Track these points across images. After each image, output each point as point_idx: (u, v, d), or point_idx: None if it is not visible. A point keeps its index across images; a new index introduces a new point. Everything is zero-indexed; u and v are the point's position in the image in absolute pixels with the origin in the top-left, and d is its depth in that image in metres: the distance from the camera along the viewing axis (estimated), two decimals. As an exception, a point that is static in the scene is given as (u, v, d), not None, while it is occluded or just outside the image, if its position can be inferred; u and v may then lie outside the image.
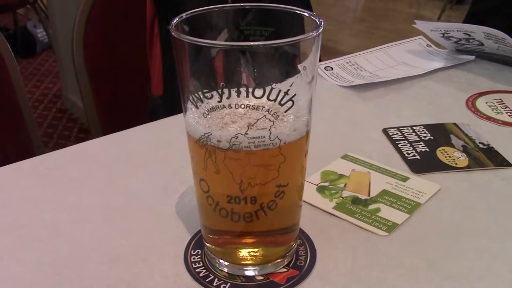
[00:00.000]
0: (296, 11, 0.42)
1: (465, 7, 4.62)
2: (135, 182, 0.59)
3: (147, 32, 1.15)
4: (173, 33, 0.38)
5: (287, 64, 0.39)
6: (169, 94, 1.14)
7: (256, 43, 0.36)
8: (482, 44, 0.87)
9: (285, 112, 0.39)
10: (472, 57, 0.92)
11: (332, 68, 0.87)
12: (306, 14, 0.42)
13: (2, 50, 1.08)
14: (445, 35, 0.91)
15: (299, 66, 0.40)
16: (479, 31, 0.85)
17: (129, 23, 1.27)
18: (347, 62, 0.89)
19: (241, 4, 0.44)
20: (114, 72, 1.24)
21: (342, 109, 0.77)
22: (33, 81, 3.13)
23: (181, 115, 0.70)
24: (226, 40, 0.45)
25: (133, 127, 0.70)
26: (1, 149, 1.09)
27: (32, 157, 0.64)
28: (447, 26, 0.89)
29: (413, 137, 0.67)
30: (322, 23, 0.40)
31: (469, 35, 0.87)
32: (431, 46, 0.97)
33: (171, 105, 1.11)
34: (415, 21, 0.93)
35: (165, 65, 1.13)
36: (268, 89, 0.37)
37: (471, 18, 1.09)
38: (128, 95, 1.28)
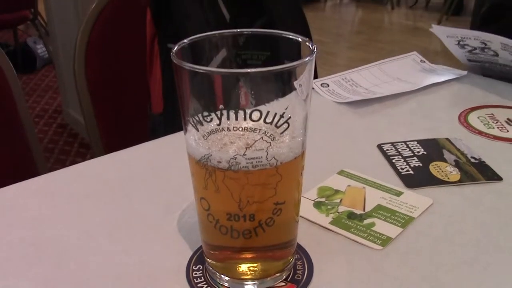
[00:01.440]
0: (291, 37, 0.45)
1: (461, 18, 4.67)
2: (138, 200, 0.61)
3: (147, 50, 1.17)
4: (174, 60, 0.40)
5: (282, 85, 0.41)
6: (169, 112, 1.17)
7: (253, 70, 0.39)
8: (496, 55, 0.88)
9: (281, 133, 0.41)
10: (465, 72, 0.94)
11: (328, 85, 0.89)
12: (300, 39, 0.44)
13: (3, 66, 1.10)
14: (461, 42, 0.91)
15: (295, 83, 0.42)
16: (496, 41, 0.85)
17: (130, 41, 1.30)
18: (343, 79, 0.91)
19: (239, 30, 0.46)
20: (115, 90, 1.27)
21: (338, 125, 0.79)
22: (34, 96, 3.16)
23: (181, 133, 0.72)
24: (224, 59, 0.47)
25: (135, 146, 0.72)
26: (3, 164, 1.11)
27: (34, 172, 0.66)
28: (464, 33, 0.89)
29: (407, 152, 0.69)
30: (316, 49, 0.42)
31: (485, 44, 0.88)
32: (425, 62, 0.99)
33: (171, 122, 1.13)
34: (432, 25, 0.94)
35: (165, 82, 1.16)
36: (264, 112, 0.39)
37: (490, 12, 1.09)
38: (129, 112, 1.30)
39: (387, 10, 5.32)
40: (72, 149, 2.57)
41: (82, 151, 2.54)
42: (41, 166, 1.16)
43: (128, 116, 1.30)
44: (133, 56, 1.31)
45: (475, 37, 0.88)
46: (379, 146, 0.71)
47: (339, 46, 4.17)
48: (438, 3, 5.18)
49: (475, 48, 0.90)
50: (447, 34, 0.92)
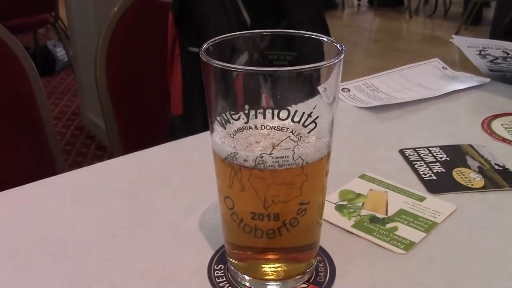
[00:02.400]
0: (318, 37, 0.45)
1: (480, 28, 4.64)
2: (158, 200, 0.61)
3: (168, 53, 1.18)
4: (202, 58, 0.41)
5: (309, 87, 0.41)
6: (188, 114, 1.17)
7: (282, 68, 0.39)
8: None
9: (308, 133, 0.41)
10: (488, 80, 0.93)
11: (349, 90, 0.89)
12: (326, 40, 0.44)
13: (27, 68, 1.12)
14: (482, 52, 0.90)
15: (319, 88, 0.42)
16: None
17: (150, 44, 1.31)
18: (364, 84, 0.91)
19: (265, 31, 0.46)
20: (135, 92, 1.28)
21: (359, 130, 0.78)
22: (52, 98, 3.19)
23: (201, 134, 0.73)
24: (251, 59, 0.47)
25: (155, 146, 0.73)
26: (24, 163, 1.12)
27: (53, 172, 0.66)
28: (485, 43, 0.89)
29: (430, 158, 0.68)
30: (344, 49, 0.42)
31: (508, 54, 0.87)
32: (446, 69, 0.99)
33: (190, 124, 1.14)
34: (453, 36, 0.93)
35: (185, 85, 1.16)
36: (292, 111, 0.39)
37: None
38: (148, 114, 1.31)
39: (405, 19, 5.30)
40: (89, 152, 2.60)
41: (99, 154, 2.56)
42: (60, 167, 1.18)
43: (148, 118, 1.31)
44: (153, 59, 1.32)
45: (497, 46, 0.88)
46: (401, 151, 0.70)
47: (357, 54, 4.16)
48: (457, 13, 5.15)
49: (497, 58, 0.90)
50: (468, 45, 0.91)
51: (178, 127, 1.19)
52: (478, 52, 0.91)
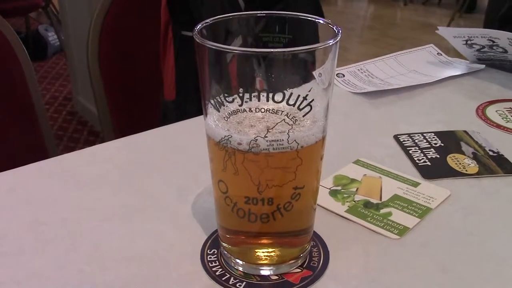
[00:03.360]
0: (314, 19, 0.44)
1: (474, 16, 4.63)
2: (151, 184, 0.60)
3: (161, 37, 1.17)
4: (196, 39, 0.40)
5: (304, 70, 0.41)
6: (181, 99, 1.16)
7: (277, 50, 0.38)
8: (505, 51, 0.87)
9: (303, 116, 0.40)
10: (483, 66, 0.93)
11: (343, 75, 0.88)
12: (322, 22, 0.44)
13: (18, 53, 1.10)
14: (468, 42, 0.90)
15: (314, 73, 0.41)
16: (504, 37, 0.84)
17: (143, 28, 1.29)
18: (359, 69, 0.90)
19: (260, 12, 0.45)
20: (127, 77, 1.26)
21: (354, 115, 0.78)
22: (44, 84, 3.16)
23: (194, 118, 0.72)
24: (245, 41, 0.47)
25: (148, 130, 0.72)
26: (15, 148, 1.11)
27: (45, 157, 0.66)
28: (471, 32, 0.89)
29: (424, 144, 0.68)
30: (340, 31, 0.41)
31: (493, 42, 0.87)
32: (441, 55, 0.98)
33: (183, 109, 1.13)
34: (438, 27, 0.93)
35: (178, 70, 1.15)
36: (287, 94, 0.39)
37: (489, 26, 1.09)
38: (141, 99, 1.30)
39: (399, 6, 5.28)
40: (81, 137, 2.58)
41: (92, 139, 2.54)
42: (52, 152, 1.17)
43: (141, 102, 1.30)
44: (146, 43, 1.30)
45: (482, 35, 0.87)
46: (396, 137, 0.70)
47: (351, 41, 4.14)
48: (451, 0, 5.14)
49: (483, 47, 0.89)
50: (454, 35, 0.91)
51: (171, 112, 1.18)
52: (464, 42, 0.91)
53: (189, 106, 1.12)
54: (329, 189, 0.58)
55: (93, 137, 2.55)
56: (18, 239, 0.51)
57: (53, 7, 3.57)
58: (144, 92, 1.32)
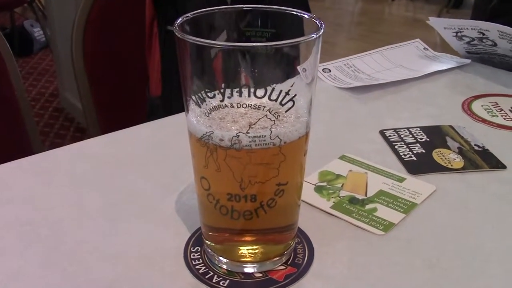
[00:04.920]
0: (297, 13, 0.43)
1: (462, 11, 4.65)
2: (135, 181, 0.59)
3: (146, 32, 1.16)
4: (176, 33, 0.39)
5: (287, 65, 0.40)
6: (168, 95, 1.15)
7: (259, 44, 0.37)
8: (495, 45, 0.87)
9: (286, 112, 0.40)
10: (468, 61, 0.93)
11: (330, 70, 0.87)
12: (306, 16, 0.43)
13: (1, 49, 1.08)
14: (458, 34, 0.90)
15: (298, 68, 0.40)
16: (493, 30, 0.84)
17: (128, 23, 1.28)
18: (345, 64, 0.90)
19: (243, 6, 0.45)
20: (112, 73, 1.25)
21: (340, 110, 0.78)
22: (30, 80, 3.12)
23: (179, 114, 0.72)
24: (227, 36, 0.46)
25: (133, 126, 0.71)
26: (0, 147, 1.10)
27: (30, 154, 0.64)
28: (461, 24, 0.88)
29: (410, 139, 0.68)
30: (323, 25, 0.40)
31: (483, 34, 0.86)
32: (428, 49, 0.98)
33: (169, 105, 1.12)
34: (429, 17, 0.93)
35: (164, 65, 1.14)
36: (269, 89, 0.38)
37: (500, 6, 1.09)
38: (126, 96, 1.29)
39: (387, 2, 5.29)
40: (67, 133, 2.56)
41: (78, 135, 2.51)
42: (37, 149, 1.15)
43: (126, 99, 1.28)
44: (132, 38, 1.29)
45: (472, 26, 0.87)
46: (381, 132, 0.70)
47: (339, 37, 4.14)
48: (439, -4, 5.15)
49: (473, 39, 0.89)
50: (445, 26, 0.91)
51: (158, 108, 1.17)
52: (454, 34, 0.91)
53: (175, 102, 1.11)
54: (315, 185, 0.58)
55: (80, 134, 2.53)
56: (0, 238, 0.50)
57: (38, 2, 3.53)
58: (130, 88, 1.31)
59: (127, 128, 0.71)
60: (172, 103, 1.13)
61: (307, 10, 1.14)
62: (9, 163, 0.62)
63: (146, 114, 1.24)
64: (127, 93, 1.31)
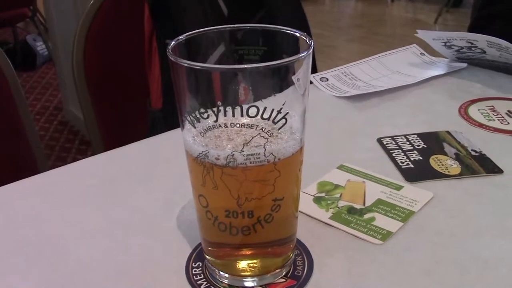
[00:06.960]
0: (288, 32, 0.44)
1: (461, 10, 4.65)
2: (137, 197, 0.60)
3: (145, 46, 1.17)
4: (170, 57, 0.40)
5: (280, 80, 0.41)
6: (169, 107, 1.16)
7: (250, 65, 0.38)
8: (484, 52, 0.88)
9: (279, 129, 0.41)
10: (465, 65, 0.94)
11: (327, 79, 0.88)
12: (297, 34, 0.44)
13: (3, 66, 1.10)
14: (447, 44, 0.91)
15: (293, 78, 0.41)
16: (482, 40, 0.85)
17: (128, 37, 1.29)
18: (342, 73, 0.91)
19: (235, 26, 0.46)
20: (114, 86, 1.26)
21: (338, 119, 0.78)
22: (34, 94, 3.15)
23: (179, 129, 0.72)
24: (220, 55, 0.47)
25: (134, 143, 0.72)
26: (4, 163, 1.11)
27: (34, 170, 0.66)
28: (449, 35, 0.89)
29: (407, 146, 0.68)
30: (312, 43, 0.41)
31: (472, 43, 0.88)
32: (424, 54, 0.99)
33: (170, 117, 1.13)
34: (417, 30, 0.94)
35: (164, 78, 1.15)
36: (261, 108, 0.39)
37: (477, 22, 1.10)
38: (128, 108, 1.30)
39: (387, 3, 5.30)
40: (73, 146, 2.57)
41: (83, 148, 2.54)
42: (42, 164, 1.16)
43: (128, 112, 1.30)
44: (132, 52, 1.30)
45: (460, 37, 0.88)
46: (379, 140, 0.70)
47: (339, 40, 4.15)
48: (438, -5, 5.16)
49: (462, 48, 0.90)
50: (433, 37, 0.92)
51: (159, 120, 1.18)
52: (443, 44, 0.92)
53: (177, 114, 1.12)
54: (313, 196, 0.59)
55: (85, 146, 2.55)
56: (3, 259, 0.51)
57: (40, 16, 3.56)
58: (131, 101, 1.32)
59: (129, 143, 0.72)
60: (173, 115, 1.14)
61: (303, 19, 1.15)
62: (12, 184, 0.63)
63: (148, 126, 1.25)
64: (129, 106, 1.32)
